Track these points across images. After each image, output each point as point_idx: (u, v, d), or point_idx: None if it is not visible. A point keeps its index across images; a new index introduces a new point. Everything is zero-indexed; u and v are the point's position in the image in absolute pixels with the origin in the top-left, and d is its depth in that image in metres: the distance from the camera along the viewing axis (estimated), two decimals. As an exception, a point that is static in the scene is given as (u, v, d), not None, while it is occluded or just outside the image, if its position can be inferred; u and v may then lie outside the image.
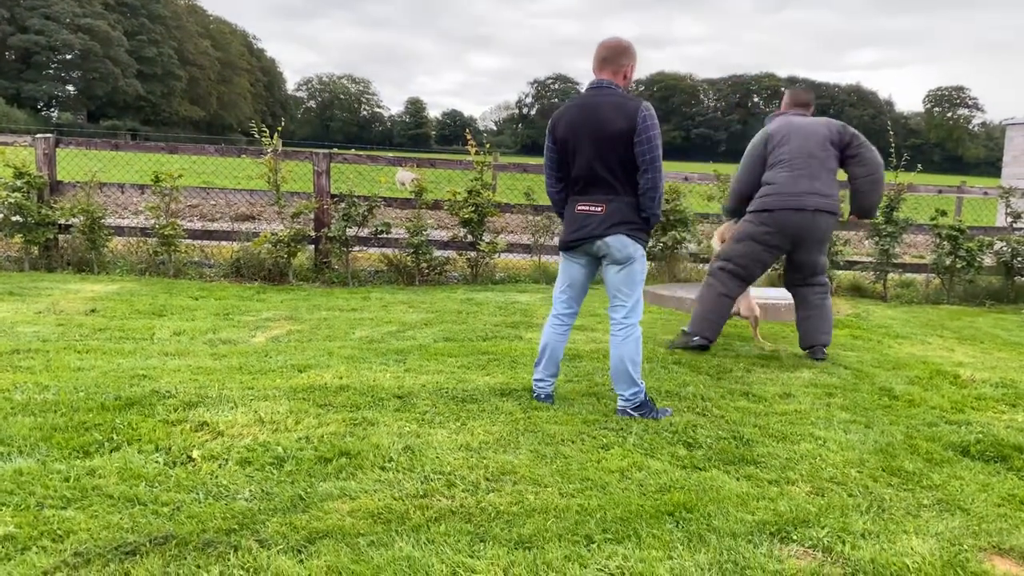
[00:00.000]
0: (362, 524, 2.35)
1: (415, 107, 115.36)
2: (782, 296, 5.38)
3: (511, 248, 7.98)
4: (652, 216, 3.45)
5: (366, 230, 7.44)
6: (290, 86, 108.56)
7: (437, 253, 7.54)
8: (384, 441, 3.00)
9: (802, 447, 3.19)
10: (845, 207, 5.16)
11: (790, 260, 4.82)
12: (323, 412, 3.32)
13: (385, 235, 7.47)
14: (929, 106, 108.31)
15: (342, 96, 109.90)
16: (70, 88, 67.69)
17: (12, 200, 6.95)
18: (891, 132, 7.80)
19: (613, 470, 2.85)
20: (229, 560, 2.12)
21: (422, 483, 2.66)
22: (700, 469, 2.92)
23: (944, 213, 7.88)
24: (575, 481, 2.74)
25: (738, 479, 2.84)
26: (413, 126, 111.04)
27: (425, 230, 7.39)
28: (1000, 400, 4.02)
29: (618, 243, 3.40)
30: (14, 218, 7.03)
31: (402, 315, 5.69)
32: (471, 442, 3.06)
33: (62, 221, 7.22)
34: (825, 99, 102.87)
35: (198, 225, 10.01)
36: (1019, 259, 7.79)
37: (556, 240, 7.99)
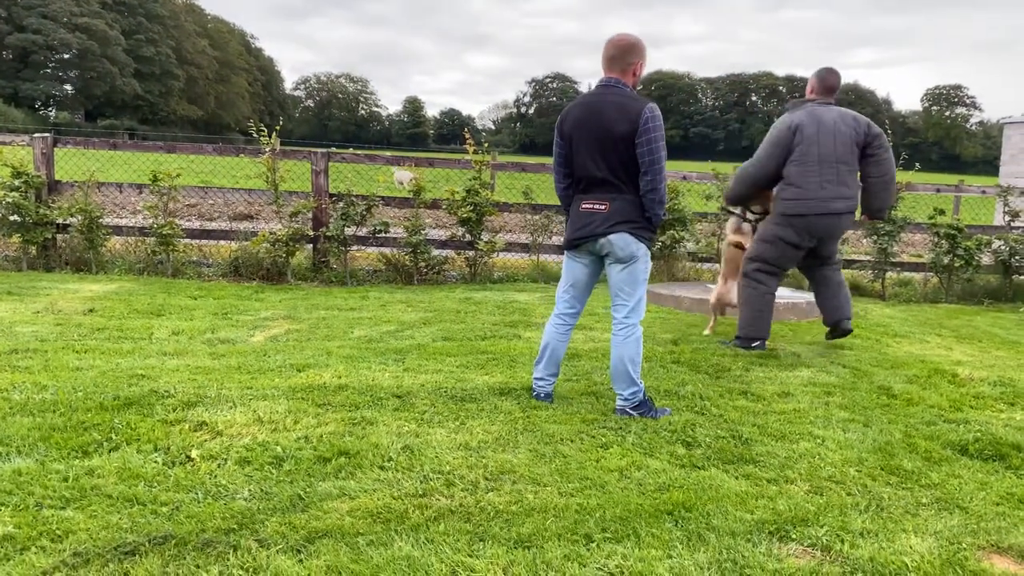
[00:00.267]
0: (361, 523, 2.35)
1: (413, 106, 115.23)
2: (781, 295, 5.39)
3: (509, 247, 7.98)
4: (655, 216, 3.45)
5: (364, 229, 7.44)
6: (288, 85, 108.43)
7: (435, 252, 7.55)
8: (383, 440, 3.00)
9: (801, 446, 3.19)
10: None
11: (811, 250, 4.92)
12: (322, 412, 3.32)
13: (383, 234, 7.47)
14: (927, 105, 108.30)
15: (340, 95, 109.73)
16: (68, 87, 67.58)
17: (10, 200, 6.95)
18: (889, 131, 7.80)
19: (612, 469, 2.85)
20: (228, 560, 2.12)
21: (421, 482, 2.66)
22: (699, 468, 2.92)
23: (942, 212, 7.90)
24: (574, 480, 2.75)
25: (737, 478, 2.84)
26: (411, 125, 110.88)
27: (423, 229, 7.39)
28: (998, 399, 4.03)
29: (621, 241, 3.40)
30: (12, 218, 7.02)
31: (400, 314, 5.69)
32: (470, 441, 3.06)
33: (60, 221, 7.21)
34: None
35: (196, 224, 10.00)
36: (1017, 258, 7.80)
37: (555, 239, 8.00)
